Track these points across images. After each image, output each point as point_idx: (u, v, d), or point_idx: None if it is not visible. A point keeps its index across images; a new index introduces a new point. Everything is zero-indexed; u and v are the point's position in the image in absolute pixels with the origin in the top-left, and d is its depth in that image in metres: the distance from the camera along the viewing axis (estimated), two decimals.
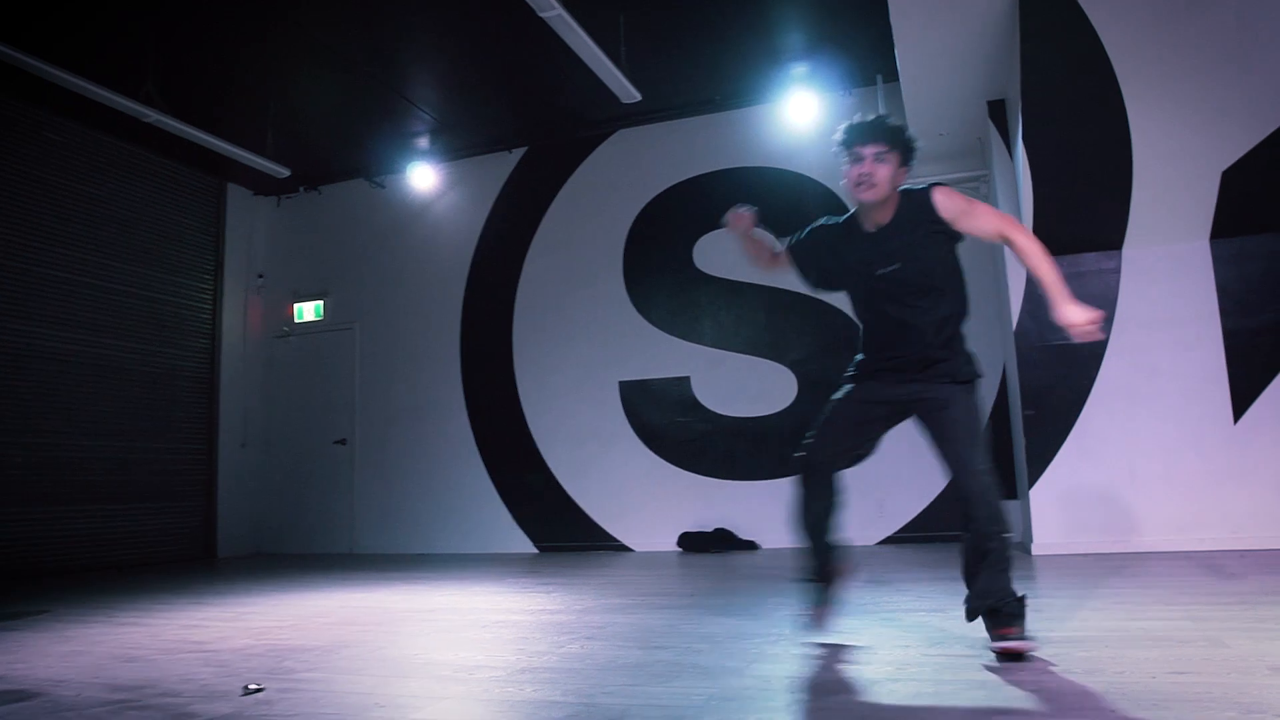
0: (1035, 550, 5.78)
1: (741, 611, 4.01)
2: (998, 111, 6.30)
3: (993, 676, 2.55)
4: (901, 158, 3.01)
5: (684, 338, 7.70)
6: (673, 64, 7.09)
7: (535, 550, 7.92)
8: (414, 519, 8.32)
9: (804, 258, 3.28)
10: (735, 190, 7.67)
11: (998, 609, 2.83)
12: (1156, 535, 5.58)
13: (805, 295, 7.38)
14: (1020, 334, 6.01)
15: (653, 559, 6.98)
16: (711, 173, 7.81)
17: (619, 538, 7.70)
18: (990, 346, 6.86)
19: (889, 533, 7.08)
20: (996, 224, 3.03)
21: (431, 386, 8.43)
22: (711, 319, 7.66)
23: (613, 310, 7.91)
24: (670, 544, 7.45)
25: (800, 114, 7.23)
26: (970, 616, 2.92)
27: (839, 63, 7.14)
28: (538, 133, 8.22)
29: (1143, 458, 5.69)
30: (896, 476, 7.07)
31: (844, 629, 3.38)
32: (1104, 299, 5.87)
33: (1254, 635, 2.92)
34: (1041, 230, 5.81)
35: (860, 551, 6.64)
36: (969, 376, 3.04)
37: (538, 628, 3.77)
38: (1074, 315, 2.86)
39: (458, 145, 8.30)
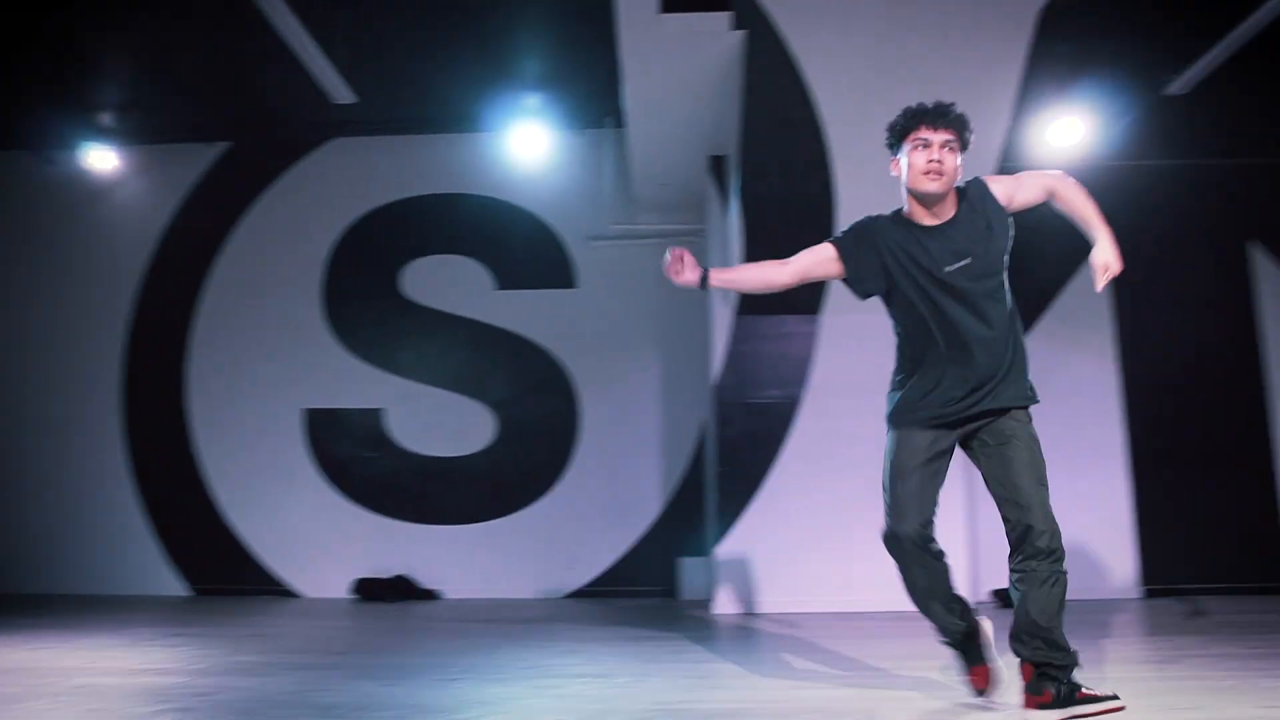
0: (716, 609, 5.71)
1: (389, 674, 3.51)
2: (717, 167, 6.35)
3: None
4: (962, 149, 2.81)
5: (381, 367, 7.11)
6: (397, 75, 6.61)
7: (189, 593, 6.93)
8: (47, 552, 7.04)
9: (857, 256, 2.88)
10: (453, 217, 7.30)
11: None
12: (834, 596, 5.67)
13: (513, 333, 7.08)
14: (720, 389, 6.00)
15: (320, 607, 6.30)
16: (430, 195, 7.35)
17: (287, 581, 6.91)
18: (691, 401, 6.85)
19: (578, 586, 6.81)
20: (1041, 180, 2.88)
21: (83, 400, 7.23)
22: (413, 350, 7.14)
23: (305, 332, 7.18)
24: (344, 590, 6.77)
25: (527, 147, 6.95)
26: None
27: (571, 100, 6.95)
28: (244, 127, 7.39)
29: (824, 519, 5.79)
30: (589, 528, 6.87)
31: (485, 698, 2.99)
32: (801, 361, 6.00)
33: (907, 710, 2.85)
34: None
35: (546, 605, 6.34)
36: (1031, 401, 2.81)
37: (126, 694, 3.08)
38: (1111, 256, 2.75)
39: (149, 128, 7.23)
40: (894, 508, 2.80)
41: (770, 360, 5.98)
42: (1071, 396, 6.49)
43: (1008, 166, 6.39)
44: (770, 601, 5.69)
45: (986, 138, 5.14)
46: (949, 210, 2.81)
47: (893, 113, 4.81)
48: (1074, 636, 2.62)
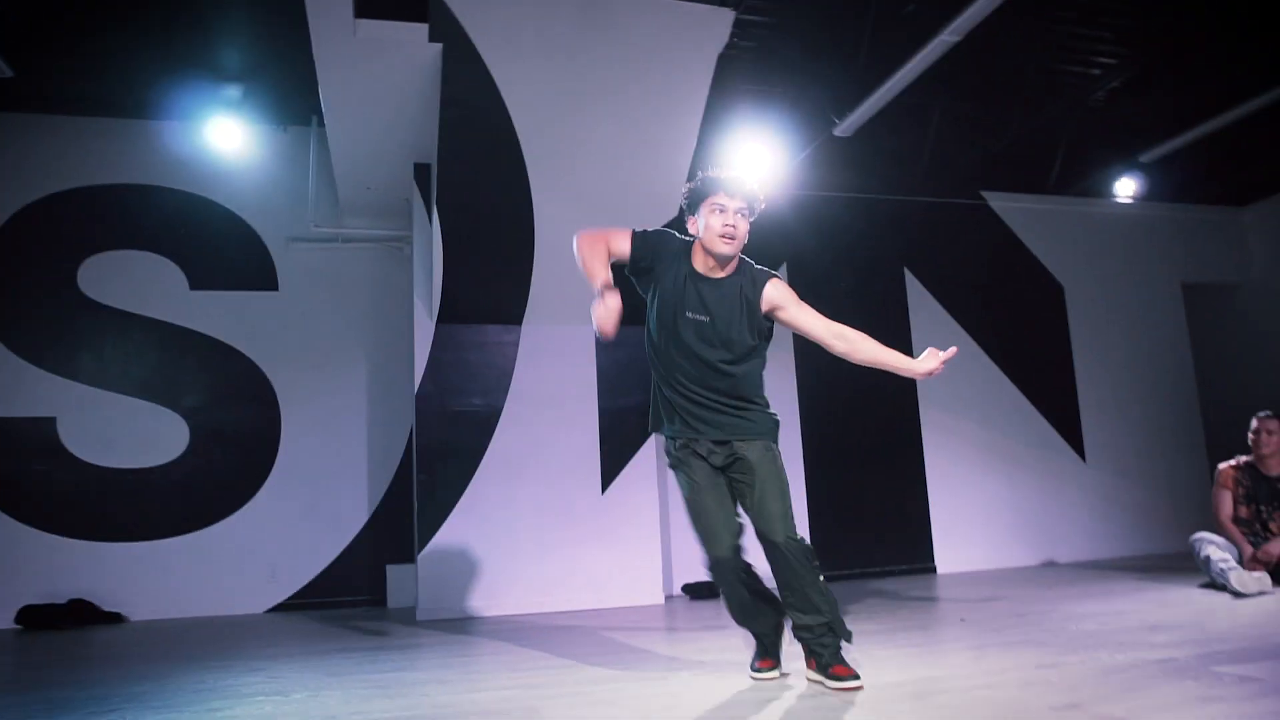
0: (420, 615, 5.74)
1: (36, 711, 3.24)
2: (423, 175, 6.35)
3: None
4: (751, 217, 3.08)
5: (54, 372, 6.50)
6: (75, 51, 6.07)
7: None
8: None
9: (646, 248, 3.14)
10: (138, 209, 6.79)
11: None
12: (530, 598, 5.88)
13: (209, 337, 6.73)
14: (422, 397, 6.04)
15: None
16: (114, 185, 6.80)
17: None
18: (399, 408, 6.83)
19: (280, 599, 6.58)
20: (824, 324, 3.13)
21: None
22: (92, 353, 6.58)
23: None
24: (9, 621, 6.13)
25: (225, 139, 6.60)
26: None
27: (274, 94, 6.70)
28: None
29: (522, 524, 6.00)
30: (290, 540, 6.67)
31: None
32: (502, 370, 6.17)
33: (571, 703, 3.05)
34: (451, 297, 5.95)
35: (246, 621, 6.10)
36: (768, 433, 3.10)
37: None
38: (930, 364, 3.06)
39: None
40: (705, 538, 3.11)
41: (472, 369, 6.10)
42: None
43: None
44: (472, 605, 5.81)
45: (672, 160, 5.57)
46: (722, 272, 3.10)
47: (583, 129, 5.12)
48: None
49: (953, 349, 3.10)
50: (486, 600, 5.83)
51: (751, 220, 3.12)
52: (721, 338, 3.04)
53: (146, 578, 6.43)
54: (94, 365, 6.58)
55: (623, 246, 3.14)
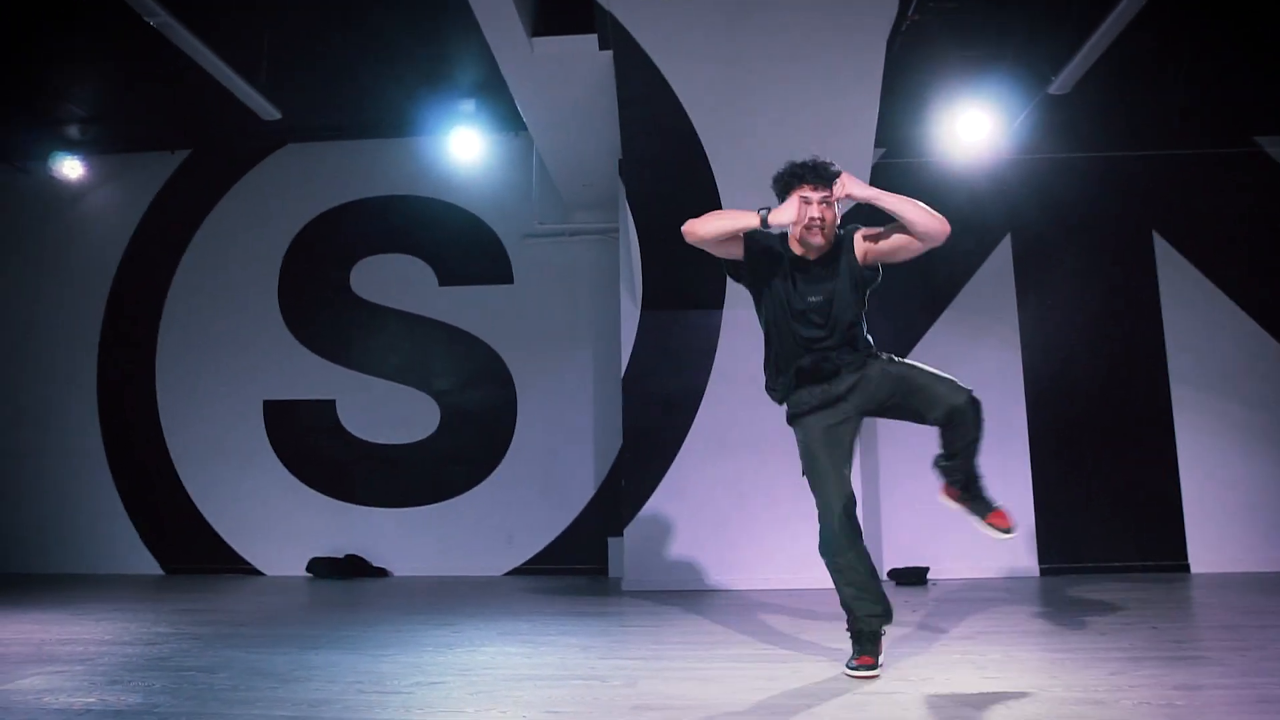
0: (626, 586, 6.12)
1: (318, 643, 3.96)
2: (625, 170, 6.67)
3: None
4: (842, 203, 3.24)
5: (333, 360, 7.61)
6: (340, 85, 7.03)
7: (161, 572, 7.53)
8: (31, 535, 7.65)
9: (749, 250, 3.36)
10: (396, 217, 7.72)
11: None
12: (731, 574, 6.04)
13: (455, 327, 7.52)
14: (628, 380, 6.38)
15: (278, 584, 6.84)
16: (376, 197, 7.79)
17: (250, 561, 7.47)
18: (618, 391, 7.22)
19: (516, 564, 7.27)
20: (886, 239, 3.28)
21: (60, 395, 7.83)
22: (362, 344, 7.62)
23: (263, 328, 7.69)
24: (301, 569, 7.30)
25: (464, 150, 7.33)
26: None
27: (502, 104, 7.31)
28: (203, 136, 7.89)
29: (723, 501, 6.17)
30: (527, 510, 7.31)
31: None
32: (705, 353, 6.35)
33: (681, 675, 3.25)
34: (653, 285, 6.24)
35: (487, 582, 6.82)
36: (872, 353, 3.37)
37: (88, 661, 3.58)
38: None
39: (114, 138, 7.79)
40: (822, 499, 3.42)
41: (675, 353, 6.35)
42: (978, 386, 6.77)
43: (885, 163, 6.69)
44: (674, 579, 6.09)
45: (851, 136, 5.45)
46: (819, 253, 3.31)
47: (759, 115, 5.18)
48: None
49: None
50: (687, 574, 6.09)
51: (843, 206, 3.25)
52: (828, 311, 3.28)
53: (407, 539, 7.36)
54: (363, 354, 7.60)
55: (751, 220, 3.25)
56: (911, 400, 3.29)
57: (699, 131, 5.45)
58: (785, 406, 3.47)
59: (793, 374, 3.36)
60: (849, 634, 3.35)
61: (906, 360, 3.37)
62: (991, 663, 3.49)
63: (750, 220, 3.22)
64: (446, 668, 3.54)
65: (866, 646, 3.28)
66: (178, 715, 2.82)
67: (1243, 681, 3.09)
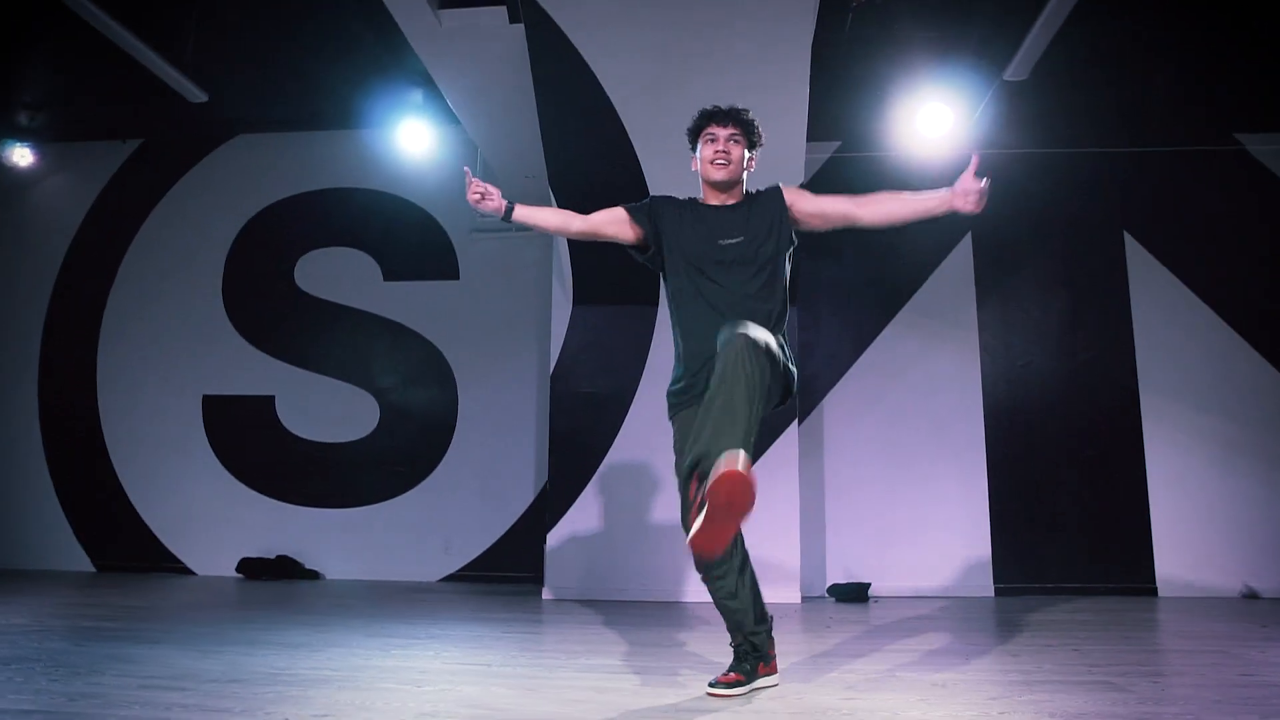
0: (546, 594, 5.81)
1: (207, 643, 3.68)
2: None
3: None
4: (749, 146, 3.11)
5: (275, 355, 7.39)
6: (289, 76, 6.84)
7: (93, 569, 7.33)
8: None
9: (646, 217, 3.14)
10: (343, 210, 7.51)
11: None
12: (658, 585, 5.70)
13: (397, 323, 7.28)
14: (556, 378, 6.09)
15: (207, 584, 6.60)
16: (323, 190, 7.58)
17: (182, 559, 7.24)
18: (545, 392, 6.92)
19: (452, 570, 6.97)
20: (846, 198, 3.12)
21: (1, 385, 7.69)
22: (303, 339, 7.39)
23: (206, 322, 7.50)
24: (232, 569, 7.06)
25: (413, 142, 7.11)
26: None
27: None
28: (154, 125, 7.74)
29: (652, 509, 5.85)
30: (463, 516, 7.03)
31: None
32: (638, 350, 6.04)
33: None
34: (581, 279, 5.95)
35: (420, 588, 6.53)
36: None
37: None
38: (966, 185, 3.00)
39: (64, 125, 7.64)
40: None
41: (606, 349, 6.04)
42: (934, 391, 6.41)
43: (841, 156, 6.38)
44: (595, 588, 5.76)
45: (782, 117, 5.13)
46: (734, 199, 3.14)
47: (684, 93, 4.93)
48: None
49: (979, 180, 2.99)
50: (611, 583, 5.75)
51: (753, 149, 3.13)
52: (749, 256, 3.03)
53: (341, 542, 7.10)
54: (305, 350, 7.38)
55: (621, 227, 3.16)
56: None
57: (618, 109, 5.17)
58: (671, 399, 3.19)
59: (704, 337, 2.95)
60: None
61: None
62: (866, 682, 3.15)
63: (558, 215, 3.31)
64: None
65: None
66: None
67: (1134, 710, 2.71)
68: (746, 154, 3.12)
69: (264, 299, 7.49)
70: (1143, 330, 6.35)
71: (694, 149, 3.19)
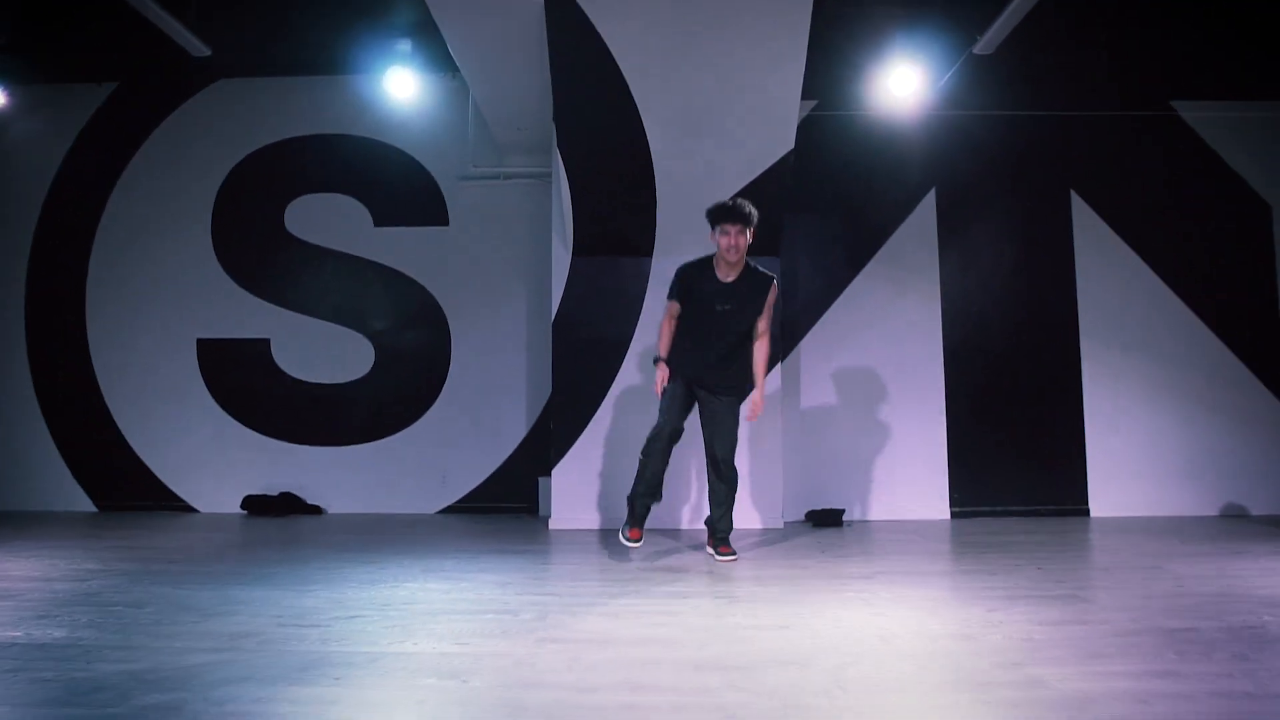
0: (552, 525, 6.31)
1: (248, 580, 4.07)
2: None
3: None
4: (752, 234, 4.60)
5: (268, 300, 7.60)
6: (273, 20, 6.91)
7: (94, 509, 7.56)
8: None
9: (682, 293, 4.78)
10: (331, 156, 7.67)
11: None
12: (654, 516, 6.24)
13: (391, 269, 7.56)
14: (558, 325, 6.49)
15: (212, 521, 6.92)
16: (310, 135, 7.72)
17: (185, 498, 7.53)
18: (537, 335, 7.37)
19: (449, 503, 7.43)
20: (765, 322, 4.80)
21: None
22: (297, 283, 7.62)
23: (197, 267, 7.64)
24: (236, 506, 7.39)
25: (401, 89, 7.26)
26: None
27: (440, 44, 7.25)
28: (131, 69, 7.71)
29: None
30: (459, 451, 7.45)
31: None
32: (634, 299, 6.48)
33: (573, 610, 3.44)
34: (583, 232, 6.32)
35: (419, 519, 6.97)
36: (740, 394, 4.85)
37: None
38: (757, 404, 4.84)
39: (37, 67, 7.58)
40: (664, 415, 4.75)
41: (605, 299, 6.46)
42: (900, 340, 7.03)
43: (817, 115, 6.81)
44: (598, 519, 6.30)
45: (779, 86, 5.54)
46: (736, 274, 4.69)
47: (689, 65, 5.45)
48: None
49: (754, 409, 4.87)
50: (612, 514, 6.28)
51: (750, 229, 4.62)
52: (736, 314, 4.73)
53: (341, 478, 7.47)
54: (298, 294, 7.61)
55: (676, 309, 4.87)
56: (712, 428, 4.81)
57: (629, 80, 5.50)
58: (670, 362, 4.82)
59: (698, 350, 4.78)
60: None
61: (736, 413, 4.86)
62: (882, 600, 3.74)
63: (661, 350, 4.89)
64: (367, 603, 3.71)
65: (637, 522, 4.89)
66: (101, 649, 2.95)
67: (1100, 618, 3.38)
68: (748, 237, 4.60)
69: (255, 244, 7.66)
70: (1084, 281, 7.06)
71: (713, 229, 4.63)
